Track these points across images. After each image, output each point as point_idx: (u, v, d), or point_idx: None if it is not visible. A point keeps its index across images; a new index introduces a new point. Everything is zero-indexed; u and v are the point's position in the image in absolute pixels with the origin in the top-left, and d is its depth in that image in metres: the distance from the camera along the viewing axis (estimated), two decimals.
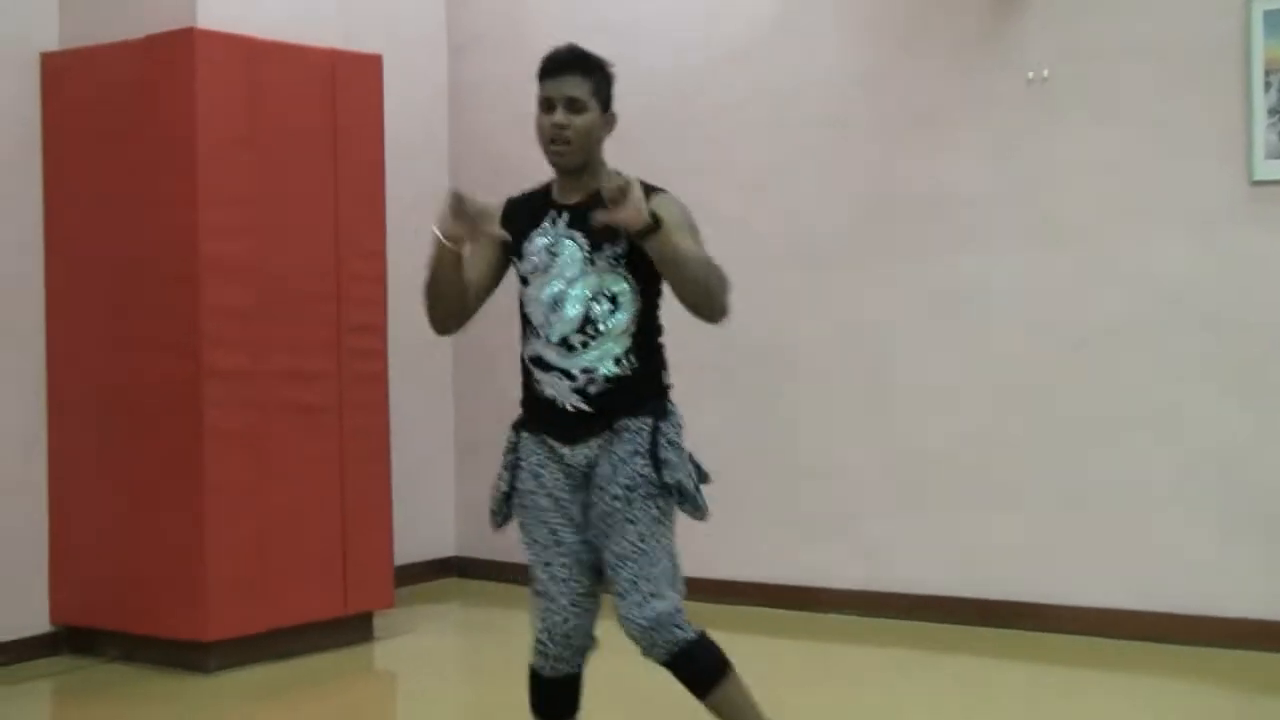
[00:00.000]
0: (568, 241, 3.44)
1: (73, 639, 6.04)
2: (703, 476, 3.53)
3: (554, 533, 3.51)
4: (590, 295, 3.41)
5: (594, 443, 3.45)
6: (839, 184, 6.55)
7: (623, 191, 3.21)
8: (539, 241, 3.48)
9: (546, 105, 3.45)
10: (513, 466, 3.59)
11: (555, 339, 3.43)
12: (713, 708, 3.45)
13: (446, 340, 7.62)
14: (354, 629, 6.21)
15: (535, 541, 3.55)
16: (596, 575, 3.53)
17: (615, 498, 3.41)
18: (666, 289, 3.44)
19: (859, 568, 6.48)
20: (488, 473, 7.47)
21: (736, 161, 6.80)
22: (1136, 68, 5.89)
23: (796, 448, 6.65)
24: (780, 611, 6.57)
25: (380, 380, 6.26)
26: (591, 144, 3.47)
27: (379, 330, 6.26)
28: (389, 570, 6.31)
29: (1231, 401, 5.73)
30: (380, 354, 6.26)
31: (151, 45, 5.73)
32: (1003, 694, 5.39)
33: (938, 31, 6.31)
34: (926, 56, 6.34)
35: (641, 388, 3.48)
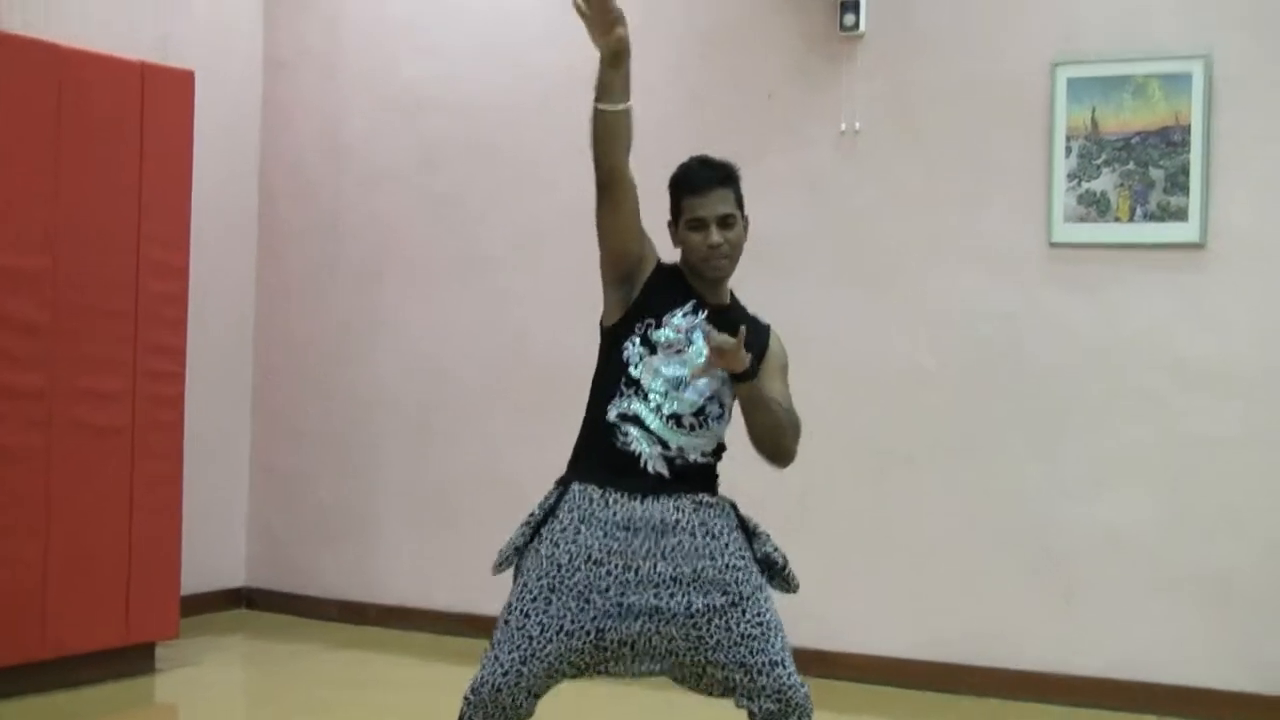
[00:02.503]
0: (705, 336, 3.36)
1: None
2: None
3: (573, 599, 3.26)
4: (710, 393, 3.38)
5: (669, 502, 3.32)
6: (657, 220, 6.56)
7: (722, 352, 3.22)
8: (680, 320, 3.40)
9: (698, 224, 3.42)
10: (548, 511, 3.35)
11: (668, 411, 3.34)
12: None
13: (246, 362, 7.48)
14: (135, 660, 5.99)
15: (530, 593, 3.28)
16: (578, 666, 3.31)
17: (733, 567, 3.32)
18: None
19: None
20: (283, 500, 7.48)
21: (555, 189, 6.77)
22: (946, 123, 6.05)
23: None
24: None
25: (177, 403, 6.08)
26: (741, 252, 3.49)
27: (178, 352, 6.08)
28: (175, 599, 6.12)
29: (1027, 450, 5.89)
30: (178, 376, 6.08)
31: None
32: None
33: (758, 75, 6.40)
34: (746, 98, 6.41)
35: (713, 479, 3.46)
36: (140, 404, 5.92)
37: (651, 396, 3.34)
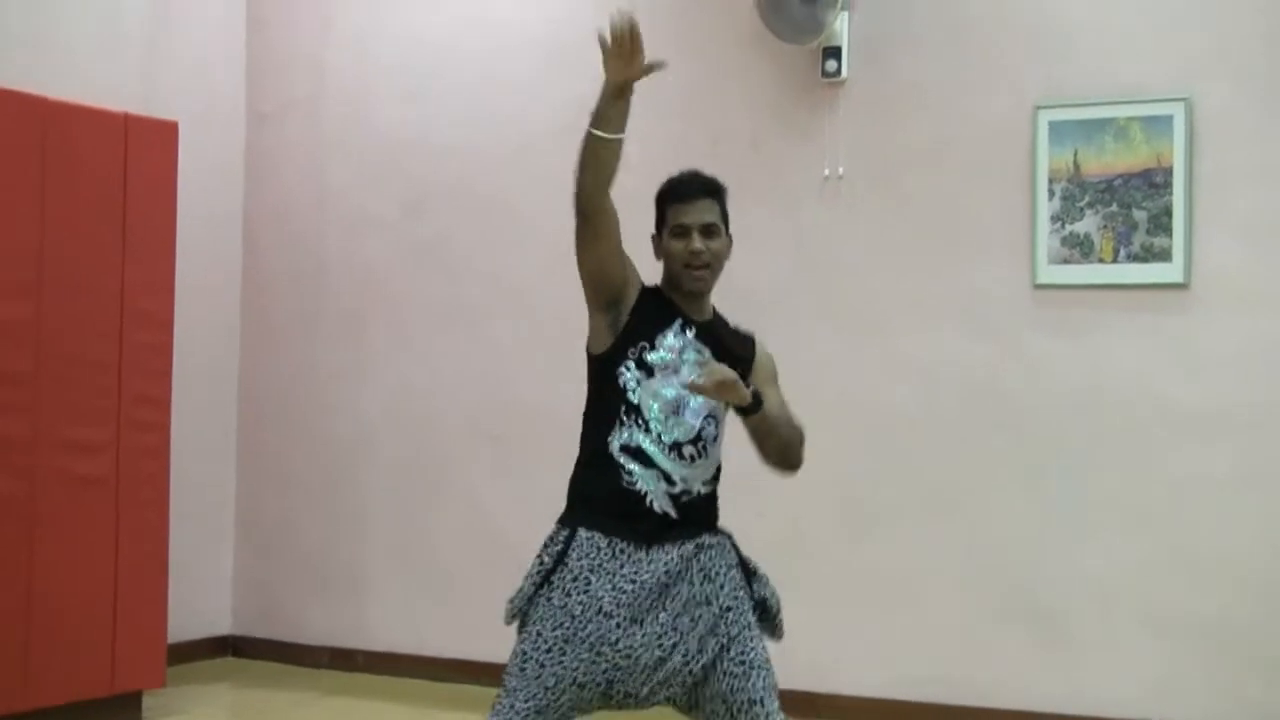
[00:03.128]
0: (697, 354, 3.39)
1: None
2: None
3: (585, 651, 3.26)
4: (707, 412, 3.39)
5: (674, 551, 3.31)
6: (642, 265, 6.57)
7: (725, 386, 3.24)
8: (672, 340, 3.41)
9: (681, 232, 3.43)
10: (557, 558, 3.31)
11: (669, 440, 3.34)
12: None
13: (231, 411, 7.46)
14: (121, 710, 5.96)
15: (545, 643, 3.26)
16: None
17: (727, 609, 3.33)
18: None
19: None
20: (270, 547, 7.44)
21: (538, 235, 6.77)
22: (929, 167, 6.07)
23: None
24: None
25: (161, 454, 6.07)
26: (723, 267, 3.50)
27: (162, 402, 6.07)
28: (161, 648, 6.09)
29: (1014, 491, 5.89)
30: (163, 426, 6.07)
31: None
32: None
33: (740, 120, 6.42)
34: (729, 143, 6.42)
35: (715, 508, 3.47)
36: (125, 454, 5.90)
37: (652, 425, 3.34)
